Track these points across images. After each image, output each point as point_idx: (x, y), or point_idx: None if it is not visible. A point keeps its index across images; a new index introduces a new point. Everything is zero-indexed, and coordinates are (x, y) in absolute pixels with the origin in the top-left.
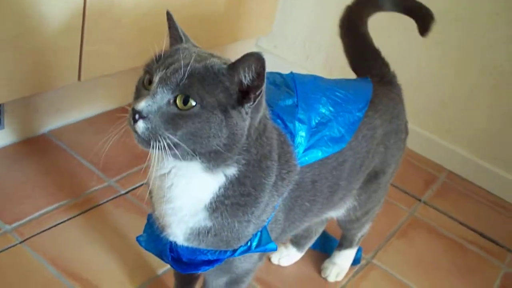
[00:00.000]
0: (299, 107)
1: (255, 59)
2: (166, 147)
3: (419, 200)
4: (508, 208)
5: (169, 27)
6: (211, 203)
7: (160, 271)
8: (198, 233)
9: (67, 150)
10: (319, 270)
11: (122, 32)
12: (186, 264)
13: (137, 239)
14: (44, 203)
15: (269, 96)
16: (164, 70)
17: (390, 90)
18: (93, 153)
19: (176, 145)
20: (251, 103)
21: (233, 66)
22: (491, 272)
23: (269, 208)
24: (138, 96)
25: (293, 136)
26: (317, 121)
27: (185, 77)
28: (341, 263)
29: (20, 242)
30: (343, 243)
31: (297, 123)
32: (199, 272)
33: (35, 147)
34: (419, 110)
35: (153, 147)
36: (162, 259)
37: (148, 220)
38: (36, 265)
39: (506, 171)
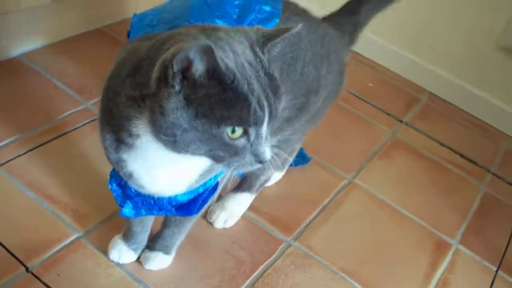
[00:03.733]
0: (211, 5)
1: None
2: None
3: (401, 121)
4: (487, 129)
5: None
6: None
7: None
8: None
9: (41, 73)
10: (298, 188)
11: None
12: (190, 204)
13: (121, 214)
14: (20, 127)
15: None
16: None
17: (330, 31)
18: (69, 76)
19: None
20: None
21: None
22: (471, 192)
23: None
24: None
25: None
26: (237, 12)
27: None
28: (232, 208)
29: None
30: (241, 185)
31: (216, 20)
32: (207, 203)
33: (8, 70)
34: (401, 30)
35: None
36: (153, 214)
37: (118, 189)
38: (14, 189)
39: (487, 93)
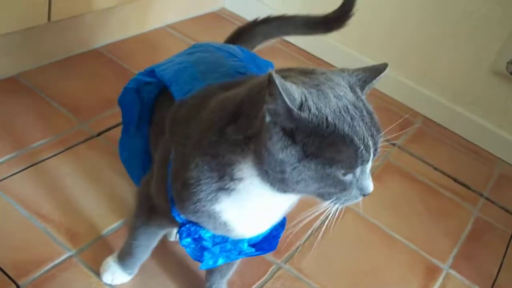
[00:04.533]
0: (236, 55)
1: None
2: None
3: (394, 145)
4: (481, 153)
5: None
6: None
7: None
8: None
9: (37, 93)
10: None
11: None
12: (265, 242)
13: (202, 268)
14: (14, 146)
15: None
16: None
17: None
18: (64, 96)
19: None
20: None
21: None
22: (463, 216)
23: None
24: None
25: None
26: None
27: None
28: None
29: None
30: None
31: (252, 67)
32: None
33: (4, 89)
34: (396, 54)
35: None
36: (232, 260)
37: (192, 244)
38: (7, 207)
39: (481, 117)
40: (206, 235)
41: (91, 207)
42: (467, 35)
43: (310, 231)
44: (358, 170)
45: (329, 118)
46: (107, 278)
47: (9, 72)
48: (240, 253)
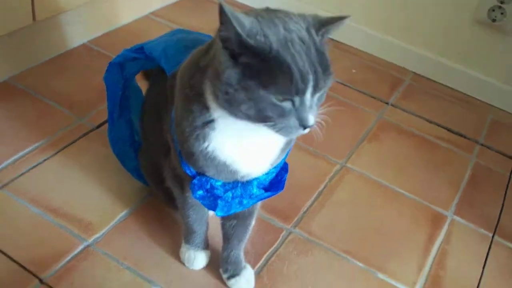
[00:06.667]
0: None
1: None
2: None
3: (387, 103)
4: (472, 102)
5: None
6: None
7: (142, 199)
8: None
9: (32, 94)
10: (292, 177)
11: None
12: (273, 184)
13: (217, 215)
14: (17, 147)
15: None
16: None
17: None
18: (58, 94)
19: None
20: None
21: None
22: (462, 164)
23: None
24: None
25: None
26: None
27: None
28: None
29: (0, 188)
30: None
31: None
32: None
33: None
34: (377, 13)
35: None
36: (244, 206)
37: (205, 194)
38: (19, 207)
39: (467, 67)
40: (217, 183)
41: (100, 197)
42: None
43: (315, 195)
44: (297, 100)
45: (273, 45)
46: (190, 262)
47: (0, 77)
48: (251, 196)
